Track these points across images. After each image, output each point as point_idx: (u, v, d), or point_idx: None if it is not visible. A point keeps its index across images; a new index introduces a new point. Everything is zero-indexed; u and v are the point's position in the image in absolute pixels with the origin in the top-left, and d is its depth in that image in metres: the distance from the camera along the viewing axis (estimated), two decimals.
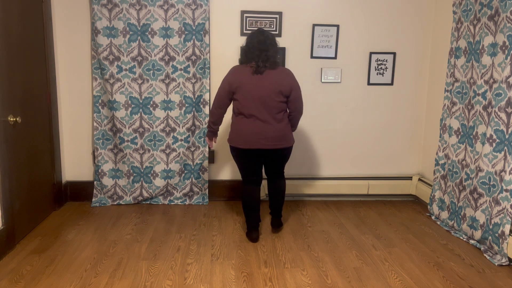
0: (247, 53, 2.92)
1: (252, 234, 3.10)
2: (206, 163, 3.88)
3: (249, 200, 3.08)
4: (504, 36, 2.82)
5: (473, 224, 3.11)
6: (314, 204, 3.98)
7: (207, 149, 3.87)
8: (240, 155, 3.01)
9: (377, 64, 3.94)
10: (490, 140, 2.93)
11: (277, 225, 3.27)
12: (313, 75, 3.91)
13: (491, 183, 2.95)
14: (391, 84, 4.00)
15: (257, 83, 2.85)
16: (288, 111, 3.01)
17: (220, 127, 3.90)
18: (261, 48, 2.86)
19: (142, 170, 3.82)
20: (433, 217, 3.64)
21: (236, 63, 3.79)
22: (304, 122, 3.98)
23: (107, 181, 3.81)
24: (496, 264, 2.80)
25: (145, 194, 3.86)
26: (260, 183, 3.13)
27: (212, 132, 3.16)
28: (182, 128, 3.79)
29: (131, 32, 3.59)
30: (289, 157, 3.14)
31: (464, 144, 3.31)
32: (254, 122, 2.88)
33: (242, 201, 3.13)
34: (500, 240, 2.84)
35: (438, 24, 3.84)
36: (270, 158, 3.03)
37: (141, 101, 3.72)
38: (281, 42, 3.81)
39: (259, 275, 2.60)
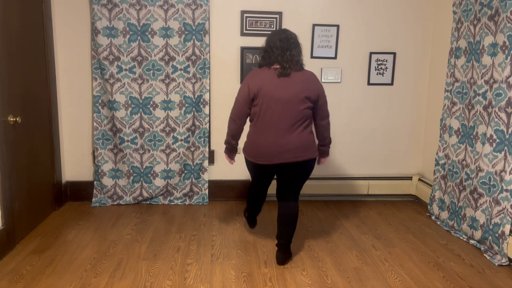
0: (268, 54, 2.60)
1: (252, 220, 3.14)
2: (206, 163, 3.88)
3: (257, 196, 2.92)
4: (504, 36, 2.82)
5: (473, 224, 3.11)
6: (314, 204, 3.97)
7: (207, 149, 3.87)
8: (256, 168, 2.71)
9: (377, 64, 3.94)
10: (490, 140, 2.93)
11: (284, 260, 2.75)
12: None
13: (491, 183, 2.95)
14: (391, 84, 4.00)
15: (283, 87, 2.52)
16: (315, 120, 2.68)
17: (222, 123, 3.91)
18: (284, 47, 2.55)
19: (142, 170, 3.82)
20: (433, 217, 3.64)
21: (237, 62, 3.80)
22: None
23: (107, 181, 3.81)
24: (496, 264, 2.80)
25: (145, 194, 3.86)
26: (268, 185, 2.89)
27: (231, 149, 2.78)
28: (182, 128, 3.79)
29: (131, 32, 3.59)
30: (311, 172, 2.71)
31: (464, 144, 3.31)
32: (276, 132, 2.54)
33: (248, 194, 2.95)
34: (500, 240, 2.84)
35: (438, 24, 3.83)
36: (290, 172, 2.64)
37: (141, 101, 3.72)
38: None
39: (259, 275, 2.60)
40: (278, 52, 2.55)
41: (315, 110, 2.63)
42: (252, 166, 2.72)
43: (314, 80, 2.61)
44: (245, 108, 2.61)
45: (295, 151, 2.55)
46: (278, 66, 2.55)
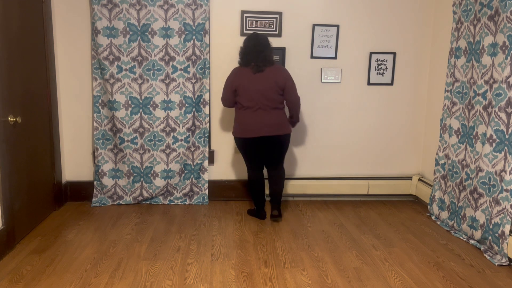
0: (246, 55, 3.26)
1: (261, 212, 3.50)
2: (206, 163, 3.88)
3: (255, 181, 3.44)
4: (504, 36, 2.82)
5: (473, 224, 3.11)
6: (314, 204, 3.98)
7: (207, 149, 3.87)
8: (245, 144, 3.33)
9: (377, 64, 3.94)
10: (490, 140, 2.93)
11: (276, 214, 3.44)
12: (313, 75, 3.91)
13: (491, 183, 2.95)
14: (391, 84, 4.00)
15: (259, 80, 3.21)
16: (286, 103, 3.35)
17: (222, 123, 3.93)
18: (258, 50, 3.22)
19: (142, 170, 3.82)
20: (433, 217, 3.64)
21: (237, 63, 3.80)
22: (304, 122, 3.98)
23: (107, 181, 3.81)
24: (496, 264, 2.80)
25: (145, 194, 3.86)
26: (262, 168, 3.48)
27: None
28: (182, 128, 3.79)
29: (131, 32, 3.59)
30: (288, 146, 3.42)
31: (464, 144, 3.31)
32: (256, 112, 3.24)
33: (249, 184, 3.49)
34: (500, 240, 2.84)
35: (438, 24, 3.84)
36: (271, 145, 3.33)
37: (141, 101, 3.72)
38: (281, 42, 3.82)
39: (259, 275, 2.60)
40: (254, 54, 3.23)
41: (285, 94, 3.29)
42: (241, 143, 3.35)
43: (281, 70, 3.29)
44: (231, 97, 3.33)
45: (273, 126, 3.26)
46: (254, 64, 3.22)
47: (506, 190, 2.80)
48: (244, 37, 3.76)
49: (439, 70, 3.81)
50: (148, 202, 3.90)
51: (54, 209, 3.66)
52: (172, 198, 3.91)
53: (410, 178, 4.11)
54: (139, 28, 3.60)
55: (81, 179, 3.90)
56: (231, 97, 3.32)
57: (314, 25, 3.81)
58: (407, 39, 3.93)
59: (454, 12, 3.40)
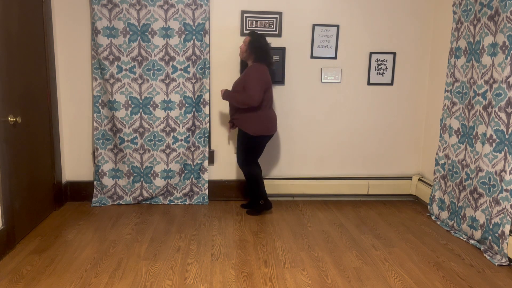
0: (264, 53, 3.38)
1: (269, 202, 3.62)
2: (206, 163, 3.88)
3: (259, 174, 3.55)
4: (504, 36, 2.82)
5: (473, 224, 3.11)
6: (314, 204, 3.98)
7: (207, 149, 3.87)
8: (264, 141, 3.49)
9: (377, 64, 3.94)
10: (490, 140, 2.93)
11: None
12: (313, 75, 3.91)
13: (491, 183, 2.95)
14: (391, 84, 4.00)
15: (271, 79, 3.49)
16: None
17: (222, 123, 3.93)
18: (269, 49, 3.44)
19: (142, 170, 3.82)
20: (433, 217, 3.64)
21: (237, 63, 3.81)
22: (304, 122, 3.98)
23: (107, 181, 3.81)
24: (496, 264, 2.80)
25: (145, 194, 3.86)
26: None
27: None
28: (182, 128, 3.79)
29: (131, 32, 3.59)
30: None
31: (464, 144, 3.31)
32: (272, 110, 3.48)
33: (256, 179, 3.53)
34: (500, 240, 2.84)
35: (438, 24, 3.84)
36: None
37: (141, 101, 3.72)
38: (281, 42, 3.82)
39: (259, 275, 2.60)
40: (268, 53, 3.40)
41: None
42: (263, 140, 3.46)
43: None
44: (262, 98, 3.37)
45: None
46: (270, 63, 3.42)
47: (506, 190, 2.80)
48: (243, 37, 3.77)
49: (439, 70, 3.81)
50: (148, 202, 3.90)
51: (54, 209, 3.66)
52: (172, 198, 3.91)
53: (410, 178, 4.11)
54: (139, 28, 3.60)
55: (81, 179, 3.90)
56: (262, 97, 3.35)
57: (314, 25, 3.81)
58: (407, 39, 3.93)
59: (454, 12, 3.41)
